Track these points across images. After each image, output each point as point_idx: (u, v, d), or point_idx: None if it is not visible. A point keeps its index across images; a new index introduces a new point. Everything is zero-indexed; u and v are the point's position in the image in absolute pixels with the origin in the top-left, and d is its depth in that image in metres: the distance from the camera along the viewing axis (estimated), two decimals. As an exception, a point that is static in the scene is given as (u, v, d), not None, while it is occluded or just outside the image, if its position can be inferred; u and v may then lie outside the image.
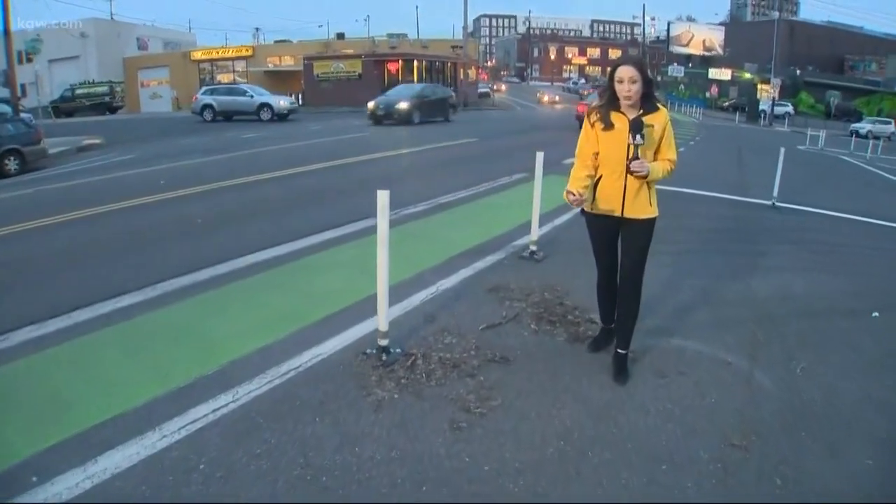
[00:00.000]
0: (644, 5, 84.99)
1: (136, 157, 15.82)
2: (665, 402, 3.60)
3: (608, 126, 3.58)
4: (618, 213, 3.68)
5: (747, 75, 60.30)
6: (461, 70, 48.17)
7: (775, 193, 9.84)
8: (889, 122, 42.65)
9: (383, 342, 3.96)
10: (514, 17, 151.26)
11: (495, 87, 70.19)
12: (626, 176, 3.57)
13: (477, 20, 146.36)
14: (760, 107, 49.33)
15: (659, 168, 3.59)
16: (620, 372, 3.83)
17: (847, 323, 5.04)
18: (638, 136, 3.44)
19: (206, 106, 30.16)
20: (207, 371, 3.86)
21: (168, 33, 59.72)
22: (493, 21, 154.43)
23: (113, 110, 43.70)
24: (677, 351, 4.25)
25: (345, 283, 5.34)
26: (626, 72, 3.46)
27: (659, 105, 3.61)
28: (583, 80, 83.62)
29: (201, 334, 4.41)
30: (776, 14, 67.74)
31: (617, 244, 3.84)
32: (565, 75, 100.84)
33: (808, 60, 63.17)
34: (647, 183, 3.64)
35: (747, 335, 4.61)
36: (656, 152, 3.63)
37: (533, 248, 6.16)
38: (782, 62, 53.86)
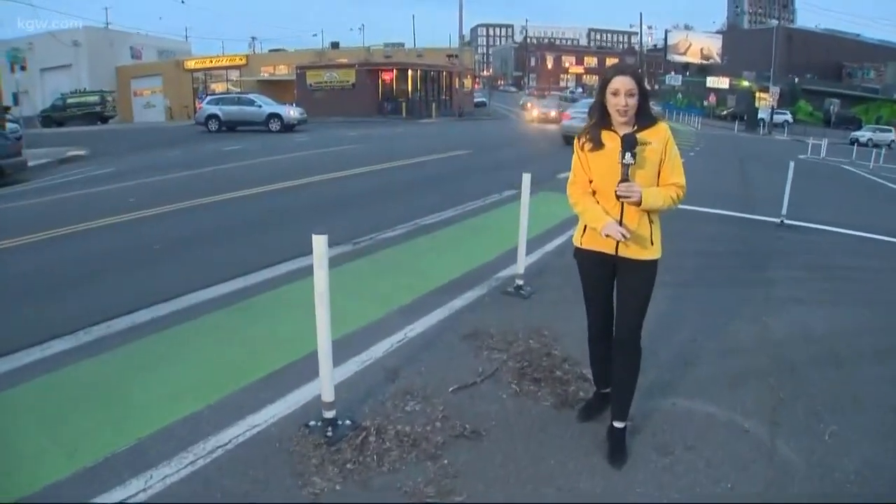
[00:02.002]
0: (641, 14, 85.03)
1: (115, 171, 15.16)
2: (670, 490, 2.91)
3: (598, 146, 2.97)
4: (611, 252, 3.04)
5: (745, 83, 59.89)
6: (456, 79, 47.60)
7: (784, 211, 9.19)
8: (889, 130, 42.12)
9: (329, 414, 3.27)
10: (511, 27, 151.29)
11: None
12: (621, 205, 2.93)
13: (474, 29, 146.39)
14: (759, 115, 48.82)
15: (659, 195, 2.91)
16: (616, 451, 3.13)
17: (877, 369, 4.39)
18: (628, 155, 2.82)
19: (212, 116, 29.33)
20: (122, 446, 3.19)
21: (162, 42, 59.06)
22: (490, 30, 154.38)
23: (104, 120, 43.10)
24: (684, 416, 3.56)
25: (296, 329, 4.56)
26: (622, 83, 2.86)
27: (657, 118, 3.00)
28: (580, 90, 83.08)
29: (123, 395, 3.71)
30: (774, 22, 67.39)
31: (612, 289, 3.17)
32: (562, 84, 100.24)
33: (805, 68, 62.72)
34: (650, 215, 2.99)
35: (766, 391, 3.94)
36: (659, 176, 2.98)
37: (519, 281, 5.46)
38: (780, 70, 53.42)
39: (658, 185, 2.98)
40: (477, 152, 18.54)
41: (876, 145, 33.85)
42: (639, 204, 2.86)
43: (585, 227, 3.10)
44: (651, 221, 3.01)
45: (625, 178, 2.84)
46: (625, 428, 3.20)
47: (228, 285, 5.68)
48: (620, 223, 2.94)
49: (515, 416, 3.46)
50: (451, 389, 3.70)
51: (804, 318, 5.26)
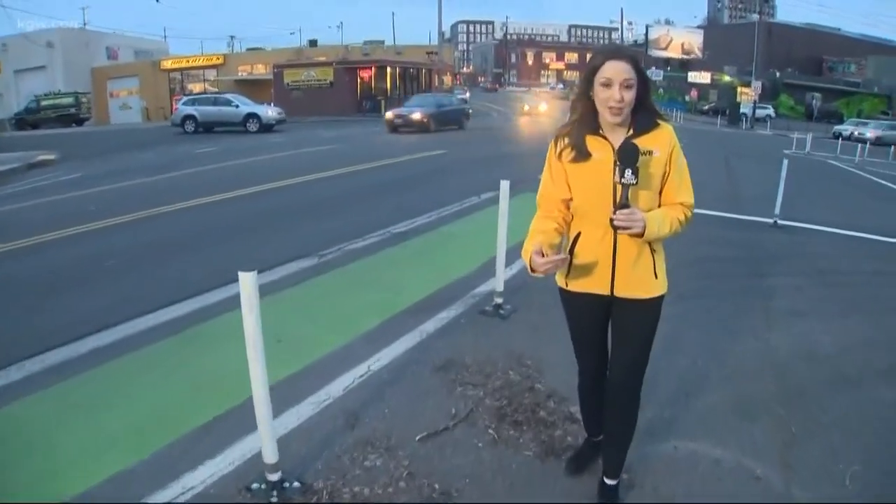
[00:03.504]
0: (622, 9, 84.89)
1: (84, 176, 14.44)
2: (676, 565, 2.44)
3: (583, 156, 2.34)
4: (605, 293, 2.47)
5: (727, 78, 59.71)
6: (436, 76, 47.00)
7: (777, 211, 8.78)
8: (868, 123, 41.83)
9: (273, 476, 2.75)
10: (492, 23, 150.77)
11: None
12: (614, 232, 2.34)
13: (454, 26, 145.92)
14: (741, 110, 48.63)
15: (665, 221, 2.33)
16: (609, 514, 2.65)
17: (893, 393, 3.93)
18: (628, 172, 2.18)
19: (188, 117, 28.57)
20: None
21: (139, 42, 57.82)
22: (471, 27, 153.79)
23: (80, 122, 42.23)
24: (688, 463, 3.09)
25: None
26: (617, 71, 2.21)
27: (660, 120, 2.38)
28: (560, 85, 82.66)
29: (49, 447, 3.19)
30: (755, 16, 67.39)
31: (606, 334, 2.64)
32: (543, 80, 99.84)
33: (786, 62, 62.73)
34: (651, 244, 2.43)
35: (775, 424, 3.48)
36: (661, 193, 2.41)
37: (498, 300, 4.95)
38: (761, 64, 53.31)
39: (660, 203, 2.42)
40: (454, 151, 18.00)
41: (860, 140, 33.34)
42: (641, 235, 2.28)
43: (571, 264, 2.49)
44: (653, 251, 2.45)
45: (624, 204, 2.23)
46: (618, 485, 2.72)
47: (180, 307, 5.14)
48: (614, 258, 2.39)
49: (493, 471, 2.94)
50: (418, 438, 3.18)
51: (808, 333, 4.83)
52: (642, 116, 2.33)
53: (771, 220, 8.73)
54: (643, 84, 2.28)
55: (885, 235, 8.56)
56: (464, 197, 9.76)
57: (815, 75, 64.41)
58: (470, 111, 31.08)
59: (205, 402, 3.58)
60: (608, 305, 2.52)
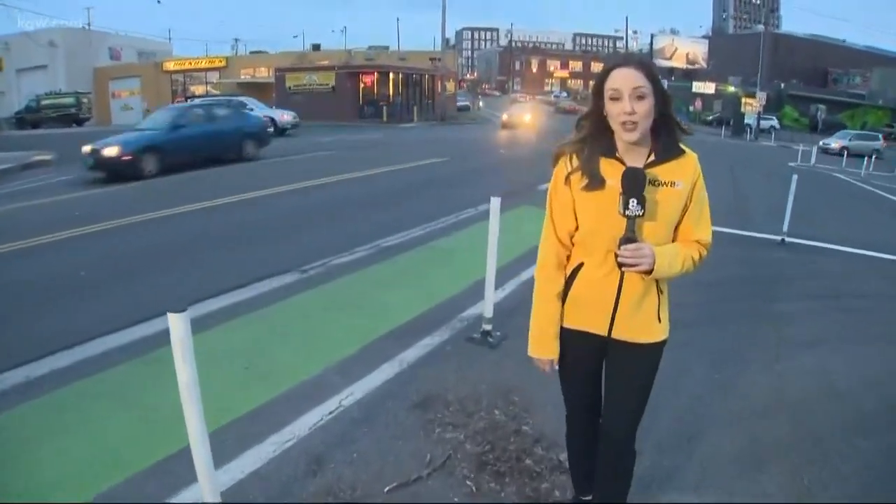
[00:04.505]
0: (627, 18, 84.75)
1: (75, 178, 14.08)
2: None
3: (597, 183, 2.00)
4: (602, 333, 2.14)
5: (731, 89, 59.35)
6: (439, 82, 46.70)
7: (785, 228, 8.41)
8: (876, 137, 40.84)
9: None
10: (497, 31, 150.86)
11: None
12: (620, 272, 2.04)
13: (459, 33, 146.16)
14: (746, 121, 48.25)
15: (676, 259, 2.02)
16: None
17: (919, 437, 3.58)
18: (633, 202, 1.89)
19: None
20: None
21: (143, 43, 57.61)
22: (475, 34, 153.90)
23: (80, 122, 41.84)
24: (690, 522, 2.73)
25: (210, 389, 3.63)
26: (625, 78, 1.90)
27: (684, 147, 2.04)
28: (564, 94, 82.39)
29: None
30: (760, 27, 67.17)
31: (599, 378, 2.30)
32: (547, 88, 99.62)
33: (791, 74, 62.33)
34: (659, 283, 2.10)
35: (789, 476, 3.13)
36: (677, 227, 2.08)
37: (486, 326, 4.57)
38: (766, 75, 52.99)
39: (674, 238, 2.09)
40: (454, 160, 17.62)
41: (856, 154, 31.29)
42: (649, 273, 1.97)
43: (567, 296, 2.18)
44: (660, 291, 2.12)
45: (630, 238, 1.93)
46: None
47: (148, 326, 4.76)
48: (617, 297, 2.07)
49: (469, 533, 2.59)
50: (387, 489, 2.82)
51: (823, 365, 4.47)
52: (665, 140, 2.00)
53: (779, 238, 8.37)
54: (661, 97, 1.94)
55: (892, 253, 8.21)
56: (459, 209, 9.41)
57: (820, 87, 64.03)
58: (270, 130, 20.55)
59: (158, 438, 3.22)
60: (603, 347, 2.20)
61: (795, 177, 8.61)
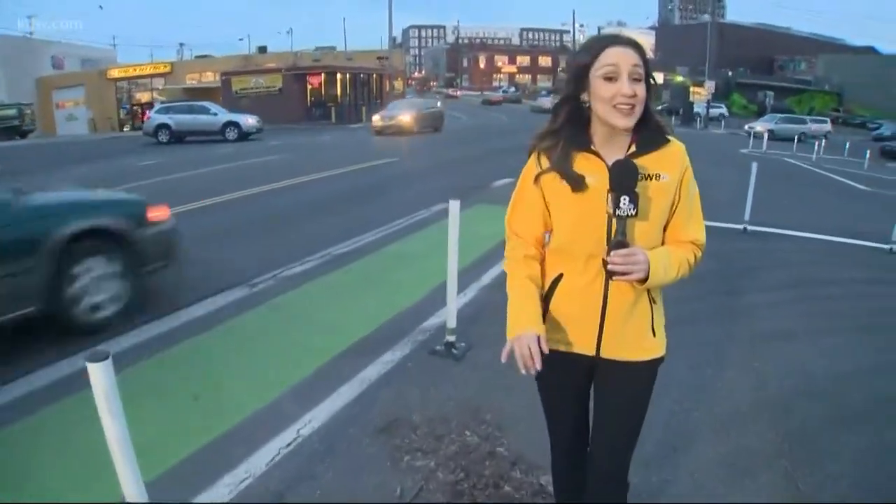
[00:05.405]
0: (574, 12, 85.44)
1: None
2: None
3: (578, 186, 1.73)
4: (589, 353, 1.88)
5: (679, 78, 60.20)
6: (387, 82, 46.27)
7: (746, 217, 8.36)
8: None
9: None
10: (444, 28, 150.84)
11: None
12: (606, 280, 1.78)
13: (406, 31, 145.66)
14: (695, 109, 48.94)
15: (672, 264, 1.77)
16: None
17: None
18: (625, 200, 1.65)
19: (162, 126, 26.79)
20: None
21: (86, 50, 55.70)
22: (423, 32, 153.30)
23: (23, 135, 40.25)
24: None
25: (163, 426, 3.20)
26: (624, 57, 1.65)
27: (669, 135, 1.78)
28: (513, 89, 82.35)
29: None
30: (705, 17, 68.30)
31: (587, 404, 2.04)
32: (495, 84, 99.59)
33: (738, 62, 63.52)
34: (651, 292, 1.87)
35: (780, 481, 2.96)
36: (666, 226, 1.83)
37: (450, 337, 4.27)
38: (713, 64, 53.85)
39: (664, 240, 1.84)
40: (405, 159, 17.34)
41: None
42: (643, 282, 1.71)
43: (546, 315, 1.89)
44: (652, 300, 1.87)
45: (621, 242, 1.68)
46: None
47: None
48: (603, 310, 1.81)
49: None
50: (353, 534, 2.54)
51: (799, 360, 4.34)
52: (646, 128, 1.74)
53: (741, 227, 8.32)
54: (649, 82, 1.69)
55: (852, 237, 8.29)
56: (412, 211, 9.13)
57: (767, 74, 65.46)
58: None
59: (97, 479, 2.86)
60: (590, 369, 1.94)
61: (755, 166, 8.57)
